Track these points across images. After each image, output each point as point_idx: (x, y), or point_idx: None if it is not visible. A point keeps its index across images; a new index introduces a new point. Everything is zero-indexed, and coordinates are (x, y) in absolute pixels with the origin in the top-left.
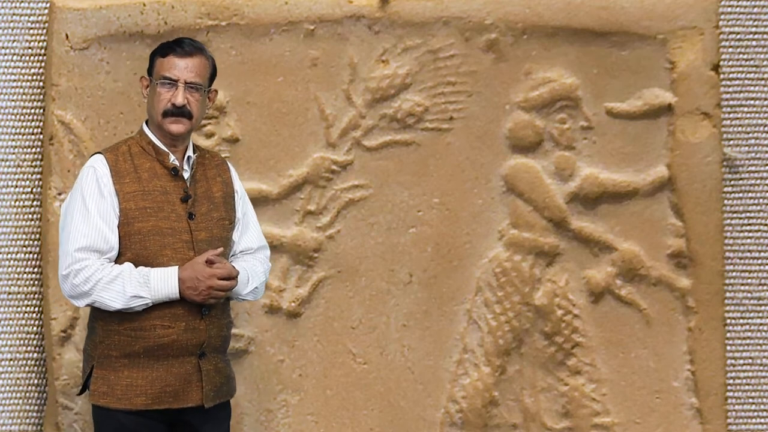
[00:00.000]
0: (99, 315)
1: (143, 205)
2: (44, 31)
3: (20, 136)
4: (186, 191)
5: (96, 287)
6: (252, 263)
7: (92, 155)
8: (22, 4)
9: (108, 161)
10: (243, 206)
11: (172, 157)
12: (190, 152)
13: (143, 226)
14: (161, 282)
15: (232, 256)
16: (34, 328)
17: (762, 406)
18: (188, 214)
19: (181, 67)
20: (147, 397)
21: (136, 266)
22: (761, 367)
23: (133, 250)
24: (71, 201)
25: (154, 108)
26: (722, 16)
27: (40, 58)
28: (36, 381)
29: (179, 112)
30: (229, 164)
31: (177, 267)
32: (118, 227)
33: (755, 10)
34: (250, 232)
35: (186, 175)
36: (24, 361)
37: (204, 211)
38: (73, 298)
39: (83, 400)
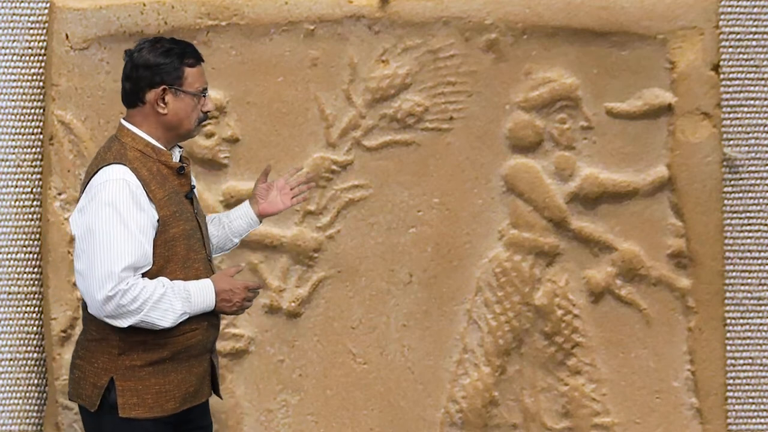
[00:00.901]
0: (115, 327)
1: (173, 209)
2: (44, 31)
3: (20, 136)
4: (192, 188)
5: (145, 306)
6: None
7: (107, 166)
8: (22, 4)
9: (132, 170)
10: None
11: (175, 157)
12: (177, 149)
13: (176, 231)
14: (200, 297)
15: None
16: (34, 328)
17: (762, 406)
18: (195, 212)
19: (204, 76)
20: (176, 401)
21: (167, 271)
22: (761, 367)
23: (164, 256)
24: (101, 217)
25: (188, 118)
26: (722, 16)
27: (40, 58)
28: (36, 381)
29: (205, 118)
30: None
31: (209, 280)
32: (155, 236)
33: (755, 10)
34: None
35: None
36: (24, 361)
37: (199, 208)
38: (114, 318)
39: None
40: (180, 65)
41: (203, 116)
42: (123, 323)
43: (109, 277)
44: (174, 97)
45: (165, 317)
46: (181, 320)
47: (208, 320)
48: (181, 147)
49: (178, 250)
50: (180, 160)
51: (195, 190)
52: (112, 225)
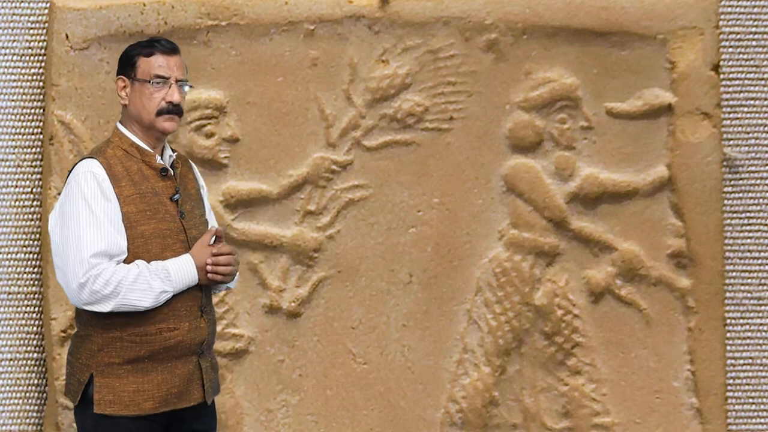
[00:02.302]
0: (95, 323)
1: (142, 207)
2: (44, 31)
3: (20, 136)
4: (177, 190)
5: (120, 288)
6: None
7: (80, 161)
8: (22, 4)
9: (103, 166)
10: (208, 200)
11: (158, 158)
12: (169, 151)
13: (145, 229)
14: (180, 272)
15: None
16: (34, 328)
17: (762, 406)
18: (180, 213)
19: (171, 65)
20: (155, 401)
21: None
22: (761, 367)
23: (135, 253)
24: (71, 208)
25: (144, 108)
26: (722, 16)
27: (40, 58)
28: (36, 381)
29: (175, 110)
30: (190, 161)
31: (189, 254)
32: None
33: (755, 10)
34: (212, 221)
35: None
36: (24, 361)
37: (189, 209)
38: (93, 304)
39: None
40: (135, 55)
41: (165, 107)
42: (103, 308)
43: (80, 264)
44: (131, 87)
45: (144, 297)
46: (163, 298)
47: (189, 322)
48: (174, 150)
49: (150, 248)
50: (172, 164)
51: (203, 193)
52: (80, 214)
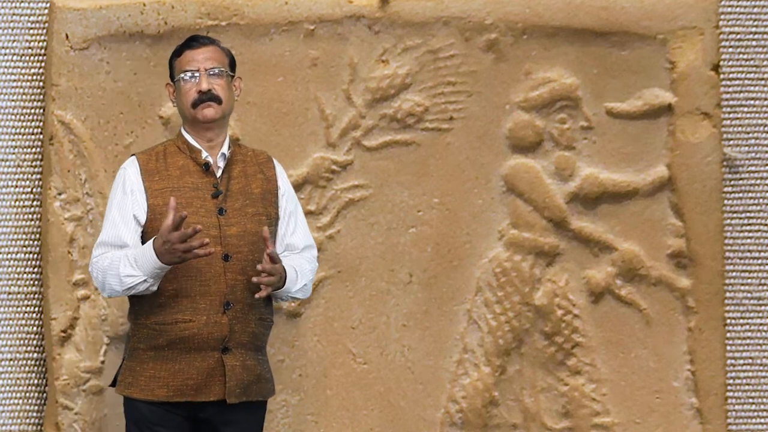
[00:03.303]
0: (133, 310)
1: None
2: (44, 31)
3: (20, 136)
4: (216, 186)
5: (105, 276)
6: (299, 261)
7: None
8: (22, 4)
9: (139, 161)
10: (288, 204)
11: (204, 154)
12: (224, 149)
13: None
14: (142, 256)
15: (281, 253)
16: (34, 328)
17: (762, 406)
18: (218, 209)
19: (199, 58)
20: (168, 389)
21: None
22: (761, 367)
23: None
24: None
25: (183, 104)
26: (722, 16)
27: (40, 58)
28: (36, 381)
29: (207, 97)
30: (275, 162)
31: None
32: (147, 224)
33: (755, 10)
34: (295, 228)
35: (219, 171)
36: (24, 361)
37: (238, 206)
38: (101, 293)
39: (83, 400)
40: (171, 59)
41: (198, 97)
42: (104, 294)
43: (92, 254)
44: (175, 89)
45: (115, 282)
46: (134, 282)
47: (208, 316)
48: (230, 147)
49: None
50: (228, 161)
51: (280, 195)
52: (106, 209)
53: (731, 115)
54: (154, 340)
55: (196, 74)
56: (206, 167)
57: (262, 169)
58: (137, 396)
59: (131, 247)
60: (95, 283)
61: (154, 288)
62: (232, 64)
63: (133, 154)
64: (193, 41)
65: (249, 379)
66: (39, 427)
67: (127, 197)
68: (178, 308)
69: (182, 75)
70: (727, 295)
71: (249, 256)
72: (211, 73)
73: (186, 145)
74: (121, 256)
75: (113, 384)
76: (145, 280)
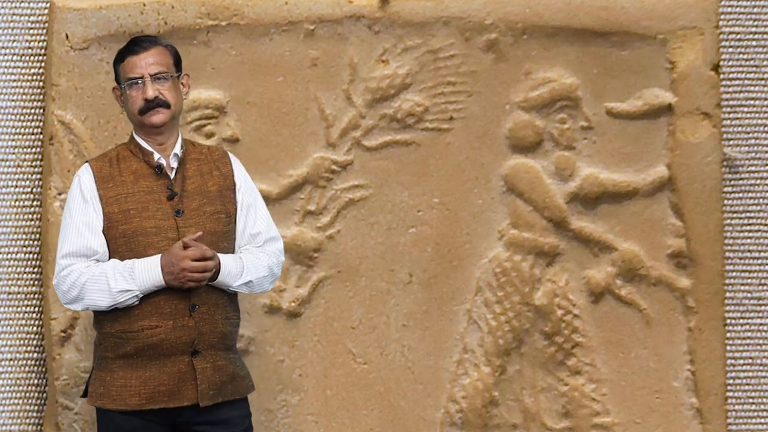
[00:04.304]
0: (97, 318)
1: (126, 207)
2: (44, 31)
3: (20, 136)
4: (170, 188)
5: (84, 290)
6: (255, 255)
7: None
8: (22, 4)
9: (93, 168)
10: (246, 197)
11: (156, 156)
12: (177, 149)
13: (127, 228)
14: (145, 271)
15: (241, 247)
16: (34, 328)
17: (762, 406)
18: (175, 211)
19: (141, 64)
20: (140, 397)
21: None
22: (761, 367)
23: (120, 252)
24: (63, 213)
25: (130, 112)
26: (722, 16)
27: (40, 58)
28: (36, 381)
29: (153, 104)
30: (231, 157)
31: (160, 255)
32: (104, 231)
33: (755, 10)
34: (255, 220)
35: (172, 172)
36: (24, 361)
37: (195, 206)
38: (67, 304)
39: (83, 400)
40: (114, 64)
41: (144, 104)
42: (74, 308)
43: (56, 266)
44: (122, 93)
45: (102, 297)
46: (126, 298)
47: (174, 320)
48: (183, 147)
49: (133, 246)
50: (181, 161)
51: (237, 191)
52: (63, 218)
53: (731, 115)
54: (121, 348)
55: (141, 81)
56: (159, 169)
57: (217, 166)
58: (109, 406)
59: (101, 255)
60: (63, 296)
61: (137, 302)
62: (178, 63)
63: (86, 161)
64: (135, 45)
65: (222, 379)
66: (39, 427)
67: (89, 204)
68: (142, 314)
69: (127, 83)
70: (727, 295)
71: None
72: (157, 78)
73: (138, 148)
74: (107, 270)
75: (84, 395)
76: (136, 295)
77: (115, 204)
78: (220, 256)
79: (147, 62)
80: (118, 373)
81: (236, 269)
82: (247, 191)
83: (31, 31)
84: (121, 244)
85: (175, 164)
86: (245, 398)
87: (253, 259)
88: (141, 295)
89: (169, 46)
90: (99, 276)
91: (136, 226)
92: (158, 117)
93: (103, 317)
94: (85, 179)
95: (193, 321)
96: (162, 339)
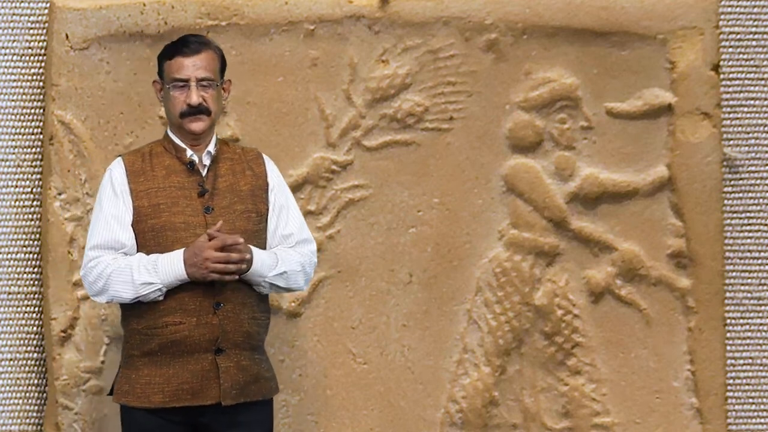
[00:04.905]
0: (124, 315)
1: (156, 201)
2: (44, 31)
3: (20, 136)
4: (201, 185)
5: (108, 281)
6: (287, 252)
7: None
8: (22, 4)
9: (125, 162)
10: (278, 198)
11: (189, 153)
12: (210, 147)
13: (156, 223)
14: (168, 264)
15: (272, 248)
16: (34, 328)
17: (762, 406)
18: (205, 208)
19: (190, 66)
20: (164, 395)
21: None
22: (761, 367)
23: (148, 247)
24: (94, 205)
25: (170, 111)
26: (722, 16)
27: (40, 58)
28: (36, 381)
29: (196, 110)
30: (265, 158)
31: (184, 249)
32: (133, 225)
33: (755, 10)
34: (287, 221)
35: (204, 169)
36: (24, 361)
37: (225, 204)
38: (93, 297)
39: (83, 400)
40: (161, 58)
41: (187, 109)
42: (99, 300)
43: (84, 257)
44: (163, 90)
45: (125, 289)
46: (149, 291)
47: (198, 317)
48: (216, 145)
49: (161, 241)
50: (214, 159)
51: (270, 191)
52: (94, 210)
53: (731, 115)
54: (146, 345)
55: (187, 84)
56: (191, 166)
57: (251, 166)
58: (134, 404)
59: (129, 248)
60: (90, 288)
61: (161, 298)
62: (223, 68)
63: (119, 156)
64: (186, 46)
65: (245, 379)
66: (39, 427)
67: (119, 198)
68: (167, 310)
69: (172, 83)
70: (727, 295)
71: None
72: (202, 84)
73: (172, 144)
74: (133, 263)
75: (111, 393)
76: (159, 289)
77: (145, 198)
78: (254, 248)
79: (196, 65)
80: (143, 370)
81: (270, 260)
82: (280, 193)
83: (31, 31)
84: (150, 238)
85: (207, 162)
86: (269, 401)
87: (285, 254)
88: (165, 290)
89: (217, 50)
90: (124, 268)
91: (165, 221)
92: (198, 125)
93: (129, 314)
94: (116, 173)
95: (217, 319)
96: (185, 336)
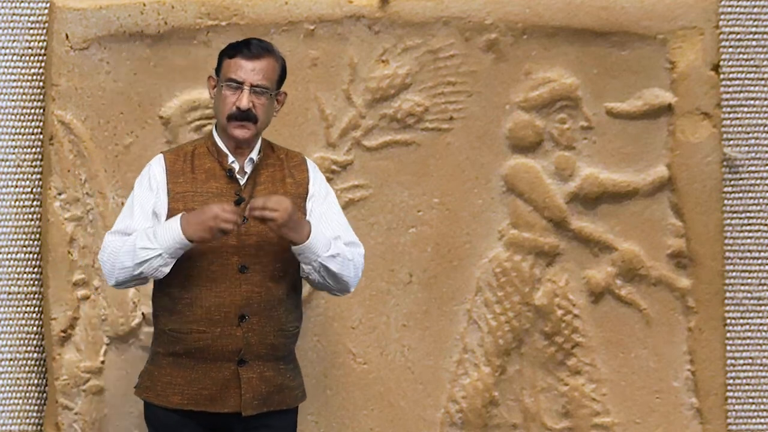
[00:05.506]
0: (155, 314)
1: (191, 206)
2: (44, 31)
3: (20, 136)
4: (238, 194)
5: (116, 257)
6: (339, 244)
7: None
8: (22, 4)
9: (166, 161)
10: (316, 206)
11: (230, 159)
12: (253, 154)
13: None
14: (167, 229)
15: None
16: (34, 328)
17: (762, 406)
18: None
19: (248, 70)
20: (183, 397)
21: (184, 267)
22: (761, 367)
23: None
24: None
25: (219, 110)
26: (722, 16)
27: (40, 58)
28: (36, 381)
29: (244, 116)
30: (309, 164)
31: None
32: None
33: (755, 10)
34: (328, 225)
35: (243, 177)
36: (24, 361)
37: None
38: (108, 280)
39: (83, 400)
40: (222, 55)
41: (235, 112)
42: (109, 281)
43: (102, 243)
44: (216, 87)
45: (127, 258)
46: (148, 256)
47: (222, 328)
48: (260, 152)
49: (192, 248)
50: (257, 166)
51: (309, 199)
52: (127, 201)
53: (731, 115)
54: (172, 346)
55: (241, 87)
56: (230, 173)
57: (292, 173)
58: (153, 401)
59: None
60: (104, 269)
61: (166, 270)
62: (282, 79)
63: (161, 152)
64: (248, 48)
65: (268, 390)
66: (39, 427)
67: (152, 193)
68: (194, 317)
69: (226, 82)
70: (727, 295)
71: (268, 267)
72: (256, 90)
73: (215, 147)
74: (139, 232)
75: (136, 388)
76: (160, 255)
77: (181, 201)
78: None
79: (254, 70)
80: (166, 369)
81: (325, 240)
82: (319, 200)
83: (31, 31)
84: None
85: (249, 169)
86: (293, 409)
87: (338, 243)
88: (168, 258)
89: (279, 59)
90: (128, 240)
91: None
92: (242, 132)
93: (160, 314)
94: (156, 171)
95: (240, 331)
96: (208, 344)
